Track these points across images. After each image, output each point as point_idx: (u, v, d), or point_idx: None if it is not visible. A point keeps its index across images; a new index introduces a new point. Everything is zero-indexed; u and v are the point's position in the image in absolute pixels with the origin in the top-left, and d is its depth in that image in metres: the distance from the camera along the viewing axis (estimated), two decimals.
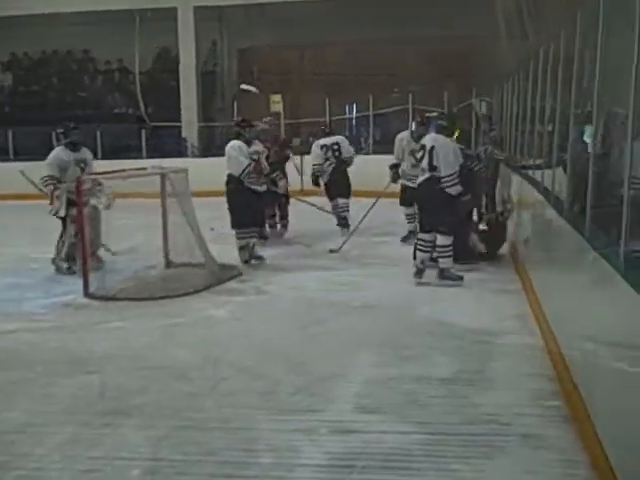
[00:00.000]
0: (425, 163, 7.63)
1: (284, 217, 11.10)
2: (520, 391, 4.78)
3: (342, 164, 11.07)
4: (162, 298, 7.37)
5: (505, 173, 10.58)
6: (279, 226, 11.09)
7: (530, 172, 8.36)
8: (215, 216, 11.26)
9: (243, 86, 17.52)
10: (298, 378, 5.10)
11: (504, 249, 8.96)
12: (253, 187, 8.72)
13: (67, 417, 4.55)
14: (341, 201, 11.12)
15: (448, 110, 14.83)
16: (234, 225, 8.99)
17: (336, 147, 11.03)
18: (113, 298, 7.46)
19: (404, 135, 9.79)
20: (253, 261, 8.90)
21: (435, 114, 16.13)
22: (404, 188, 9.81)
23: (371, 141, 17.44)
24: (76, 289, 7.62)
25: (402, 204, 9.96)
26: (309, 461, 3.93)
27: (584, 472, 3.68)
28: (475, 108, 14.86)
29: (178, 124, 19.51)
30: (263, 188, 8.92)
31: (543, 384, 4.87)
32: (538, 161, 7.80)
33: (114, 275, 8.07)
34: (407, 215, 10.00)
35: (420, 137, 9.38)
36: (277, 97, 18.32)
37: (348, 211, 11.08)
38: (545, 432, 4.17)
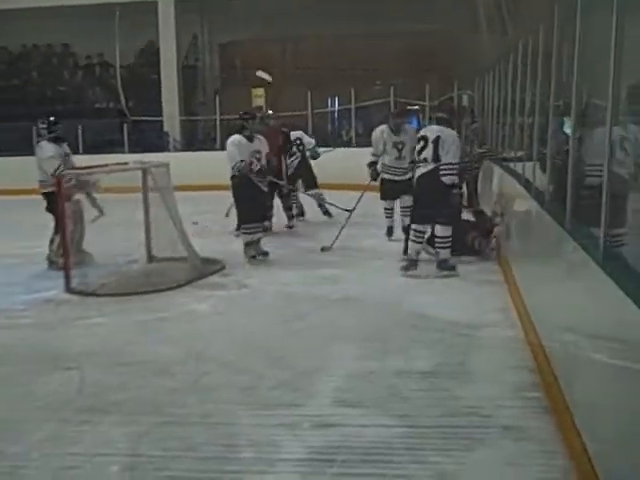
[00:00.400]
0: (429, 154, 7.62)
1: (288, 209, 11.26)
2: (501, 383, 4.78)
3: (308, 158, 11.57)
4: (144, 293, 7.35)
5: (487, 167, 10.62)
6: (286, 218, 11.22)
7: (511, 164, 8.38)
8: (198, 210, 11.28)
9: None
10: (280, 372, 5.08)
11: None
12: (258, 183, 8.62)
13: (47, 414, 4.51)
14: (313, 191, 11.61)
15: (439, 103, 14.87)
16: (240, 220, 8.94)
17: (299, 142, 11.50)
18: (94, 294, 7.42)
19: (383, 128, 9.76)
20: (260, 257, 8.80)
21: (417, 107, 16.26)
22: (383, 181, 9.76)
23: (353, 134, 17.45)
24: (58, 285, 7.57)
25: (383, 198, 9.87)
26: (290, 455, 3.91)
27: (563, 462, 3.67)
28: (457, 101, 14.94)
29: (160, 118, 19.44)
30: (265, 187, 8.86)
31: (524, 376, 4.87)
32: (519, 153, 7.82)
33: (96, 270, 8.04)
34: (387, 210, 9.93)
35: (399, 129, 9.41)
36: (259, 91, 18.32)
37: (324, 199, 11.62)
38: (526, 424, 4.17)
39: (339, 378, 4.94)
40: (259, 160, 8.56)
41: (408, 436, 4.05)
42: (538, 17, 6.30)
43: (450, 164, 7.56)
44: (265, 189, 8.83)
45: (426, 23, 16.95)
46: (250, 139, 8.58)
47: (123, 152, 17.32)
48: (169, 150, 18.58)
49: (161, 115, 19.47)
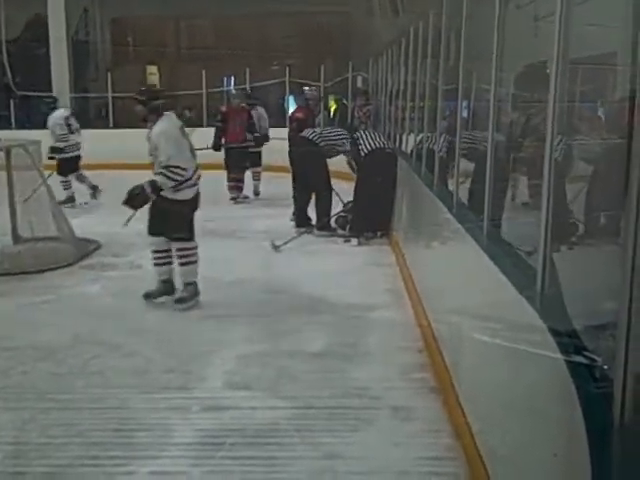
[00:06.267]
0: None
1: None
2: (391, 364, 4.87)
3: None
4: (34, 273, 7.11)
5: None
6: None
7: (403, 146, 8.50)
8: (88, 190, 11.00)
9: None
10: (171, 356, 5.03)
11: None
12: None
13: None
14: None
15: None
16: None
17: None
18: None
19: None
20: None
21: (314, 88, 16.31)
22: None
23: None
24: None
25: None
26: (181, 440, 3.89)
27: (447, 441, 3.79)
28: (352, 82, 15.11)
29: (49, 94, 18.76)
30: None
31: (413, 357, 4.97)
32: (411, 136, 7.93)
33: None
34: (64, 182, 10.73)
35: None
36: (153, 69, 17.96)
37: None
38: (413, 404, 4.26)
39: (230, 361, 4.93)
40: None
41: (298, 418, 4.09)
42: (429, 1, 6.38)
43: None
44: None
45: (322, 4, 16.95)
46: None
47: (10, 128, 16.67)
48: None
49: (51, 91, 18.79)
